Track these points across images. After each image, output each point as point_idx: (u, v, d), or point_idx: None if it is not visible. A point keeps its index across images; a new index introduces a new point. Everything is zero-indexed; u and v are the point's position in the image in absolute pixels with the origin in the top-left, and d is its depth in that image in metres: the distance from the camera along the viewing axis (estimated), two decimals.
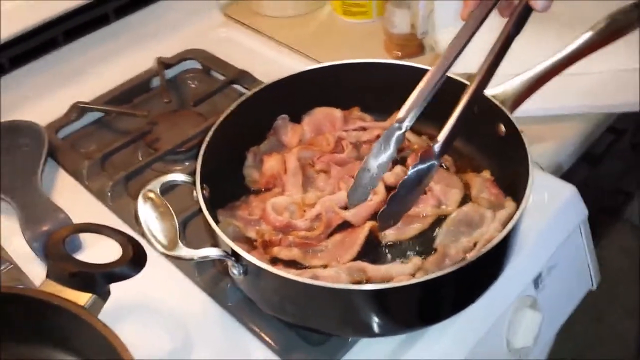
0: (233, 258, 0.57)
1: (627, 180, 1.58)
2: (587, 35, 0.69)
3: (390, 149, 0.66)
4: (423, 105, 0.63)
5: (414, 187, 0.62)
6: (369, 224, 0.65)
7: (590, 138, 0.88)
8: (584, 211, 0.76)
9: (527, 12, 0.61)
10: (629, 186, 1.64)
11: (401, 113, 0.63)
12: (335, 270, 0.61)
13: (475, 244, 0.64)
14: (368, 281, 0.61)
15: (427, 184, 0.64)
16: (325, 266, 0.63)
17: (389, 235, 0.66)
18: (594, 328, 1.63)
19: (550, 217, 0.72)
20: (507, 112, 0.67)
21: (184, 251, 0.56)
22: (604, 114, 0.87)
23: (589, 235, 0.78)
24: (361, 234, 0.65)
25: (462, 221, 0.67)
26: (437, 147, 0.60)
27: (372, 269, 0.62)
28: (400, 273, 0.61)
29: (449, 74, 0.66)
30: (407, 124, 0.64)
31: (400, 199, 0.61)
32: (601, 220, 1.29)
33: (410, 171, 0.60)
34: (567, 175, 0.83)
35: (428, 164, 0.60)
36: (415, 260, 0.62)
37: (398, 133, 0.64)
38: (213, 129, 0.67)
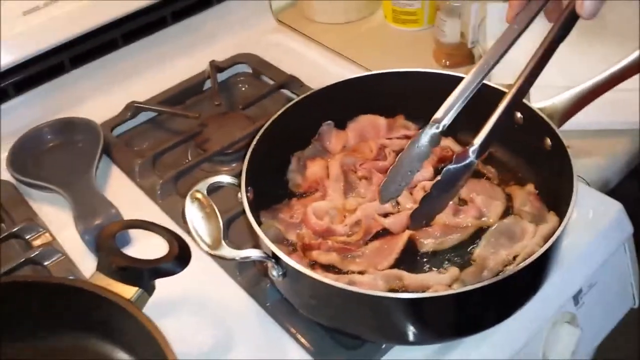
0: (273, 260, 0.58)
1: None
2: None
3: (425, 148, 0.64)
4: (461, 106, 0.62)
5: (446, 189, 0.61)
6: (408, 233, 0.66)
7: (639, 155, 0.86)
8: (629, 229, 0.74)
9: (573, 18, 0.59)
10: None
11: (438, 113, 0.63)
12: (372, 277, 0.62)
13: (514, 258, 0.64)
14: (405, 289, 0.62)
15: (461, 186, 0.63)
16: (362, 272, 0.64)
17: (428, 244, 0.67)
18: (633, 345, 1.57)
19: (594, 233, 0.71)
20: (554, 127, 0.66)
21: (226, 251, 0.58)
22: None
23: (634, 253, 0.76)
24: (400, 242, 0.66)
25: (502, 233, 0.66)
26: (471, 150, 0.59)
27: (409, 277, 0.62)
28: (437, 283, 0.61)
29: (489, 82, 0.65)
30: (444, 123, 0.62)
31: (432, 199, 0.61)
32: None
33: (444, 171, 0.60)
34: (614, 191, 0.81)
35: (462, 164, 0.59)
36: (453, 271, 0.63)
37: (433, 132, 0.63)
38: (259, 134, 0.69)
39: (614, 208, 0.73)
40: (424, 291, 0.60)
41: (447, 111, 0.62)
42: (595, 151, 0.82)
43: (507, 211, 0.69)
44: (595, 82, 0.68)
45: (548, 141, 0.67)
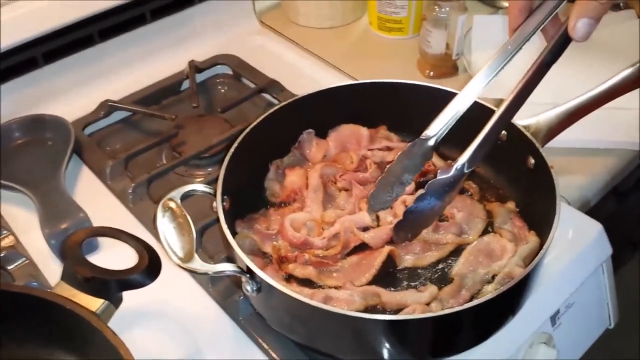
0: (248, 275, 0.56)
1: None
2: (628, 71, 0.67)
3: (417, 160, 0.64)
4: (453, 122, 0.62)
5: (430, 203, 0.61)
6: (388, 248, 0.64)
7: (621, 174, 0.85)
8: (608, 250, 0.74)
9: (565, 40, 0.58)
10: None
11: (431, 128, 0.62)
12: (349, 293, 0.61)
13: (493, 277, 0.63)
14: (382, 306, 0.60)
15: (448, 202, 0.62)
16: (339, 287, 0.62)
17: (407, 260, 0.66)
18: None
19: (574, 254, 0.71)
20: (538, 145, 0.65)
21: (198, 264, 0.56)
22: (638, 150, 0.85)
23: (611, 275, 0.76)
24: (379, 258, 0.64)
25: (481, 251, 0.65)
26: (455, 166, 0.59)
27: (386, 294, 0.61)
28: (415, 301, 0.60)
29: (480, 99, 0.65)
30: (436, 137, 0.62)
31: (416, 213, 0.60)
32: (624, 255, 1.27)
33: (427, 185, 0.60)
34: (593, 210, 0.81)
35: (445, 178, 0.59)
36: (432, 289, 0.61)
37: (425, 145, 0.63)
38: (238, 140, 0.67)
39: (594, 228, 0.73)
40: (401, 309, 0.59)
41: (439, 126, 0.62)
42: (576, 170, 0.81)
43: (488, 229, 0.68)
44: (581, 101, 0.68)
45: (531, 160, 0.66)
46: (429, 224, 0.64)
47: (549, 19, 0.60)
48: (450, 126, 0.62)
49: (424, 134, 0.62)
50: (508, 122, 0.61)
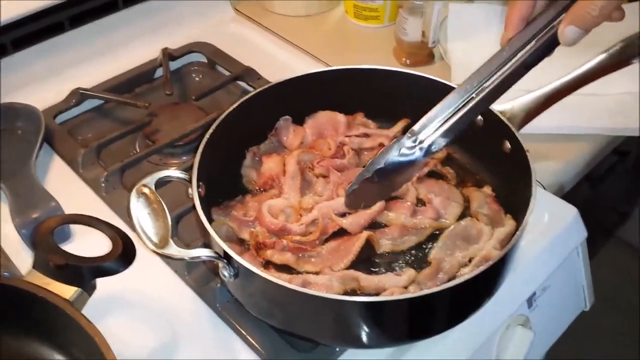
0: (225, 260, 0.55)
1: (624, 201, 1.58)
2: (601, 57, 0.68)
3: (395, 157, 0.63)
4: (439, 123, 0.60)
5: (389, 177, 0.60)
6: (366, 234, 0.64)
7: (595, 159, 0.87)
8: (584, 233, 0.75)
9: (552, 44, 0.57)
10: (626, 207, 1.64)
11: (416, 126, 0.60)
12: (327, 278, 0.60)
13: (470, 260, 0.63)
14: (361, 290, 0.60)
15: (406, 179, 0.62)
16: (317, 273, 0.62)
17: (385, 245, 0.65)
18: (584, 348, 1.62)
19: (550, 238, 0.71)
20: (514, 130, 0.66)
21: (174, 250, 0.55)
22: (611, 136, 0.86)
23: (587, 257, 0.77)
24: (357, 243, 0.64)
25: (459, 235, 0.66)
26: (419, 147, 0.59)
27: (365, 279, 0.60)
28: (393, 285, 0.60)
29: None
30: (420, 137, 0.60)
31: (373, 184, 0.60)
32: (597, 240, 1.29)
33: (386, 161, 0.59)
34: (568, 195, 0.82)
35: (405, 159, 0.59)
36: (409, 273, 0.61)
37: (407, 143, 0.61)
38: (214, 126, 0.66)
39: (570, 212, 0.74)
40: (379, 293, 0.59)
41: (423, 125, 0.60)
42: (551, 155, 0.82)
43: (465, 213, 0.68)
44: (556, 86, 0.68)
45: (507, 144, 0.67)
46: (384, 196, 0.64)
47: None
48: (437, 127, 0.59)
49: (409, 131, 0.60)
50: (478, 113, 0.60)
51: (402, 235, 0.66)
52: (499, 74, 0.58)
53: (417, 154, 0.59)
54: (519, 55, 0.58)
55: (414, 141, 0.60)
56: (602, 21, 0.52)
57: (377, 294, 0.60)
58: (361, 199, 0.63)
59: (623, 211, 1.63)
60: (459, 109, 0.59)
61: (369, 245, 0.64)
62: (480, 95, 0.59)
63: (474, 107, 0.59)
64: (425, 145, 0.59)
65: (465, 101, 0.59)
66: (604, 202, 1.35)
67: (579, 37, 0.53)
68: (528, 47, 0.57)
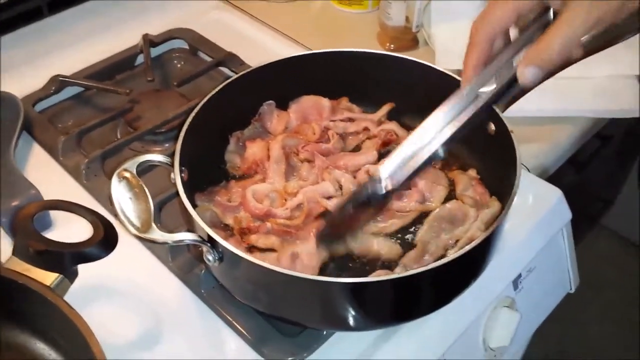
0: (209, 244, 0.55)
1: (608, 187, 1.59)
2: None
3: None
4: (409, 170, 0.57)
5: (361, 209, 0.59)
6: None
7: (579, 142, 0.87)
8: (568, 215, 0.75)
9: (512, 84, 0.55)
10: (610, 193, 1.65)
11: (383, 169, 0.57)
12: (312, 245, 0.60)
13: (456, 242, 0.63)
14: (349, 253, 0.61)
15: (378, 212, 0.62)
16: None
17: (371, 228, 0.65)
18: (569, 331, 1.64)
19: (535, 219, 0.72)
20: (499, 111, 0.65)
21: (157, 234, 0.54)
22: (594, 119, 0.87)
23: (571, 239, 0.77)
24: None
25: (444, 218, 0.66)
26: (384, 186, 0.57)
27: (350, 240, 0.61)
28: (383, 251, 0.61)
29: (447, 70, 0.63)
30: (385, 184, 0.57)
31: (345, 216, 0.59)
32: (581, 226, 1.30)
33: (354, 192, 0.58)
34: (552, 178, 0.82)
35: (372, 191, 0.57)
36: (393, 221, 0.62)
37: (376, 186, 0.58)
38: (196, 109, 0.65)
39: (554, 194, 0.74)
40: (368, 255, 0.60)
41: (389, 166, 0.57)
42: (535, 138, 0.82)
43: (450, 196, 0.68)
44: None
45: (492, 126, 0.66)
46: (356, 228, 0.62)
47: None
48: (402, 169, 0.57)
49: (374, 176, 0.58)
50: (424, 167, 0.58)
51: (387, 218, 0.66)
52: (464, 114, 0.57)
53: (382, 192, 0.57)
54: (480, 95, 0.56)
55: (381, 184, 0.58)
56: (562, 61, 0.51)
57: (365, 257, 0.60)
58: (333, 236, 0.60)
59: (607, 198, 1.65)
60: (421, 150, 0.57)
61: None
62: (437, 144, 0.57)
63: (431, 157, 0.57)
64: (388, 185, 0.57)
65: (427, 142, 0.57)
66: (588, 189, 1.36)
67: (539, 77, 0.52)
68: (490, 88, 0.56)
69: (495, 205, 0.64)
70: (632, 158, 1.51)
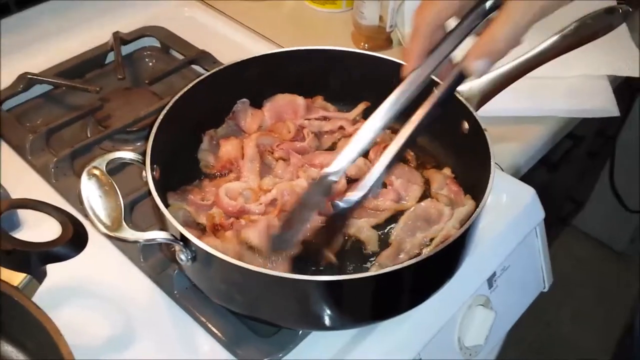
0: (181, 243, 0.54)
1: (579, 188, 1.62)
2: (555, 38, 0.69)
3: (318, 197, 0.57)
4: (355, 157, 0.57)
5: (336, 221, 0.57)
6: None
7: (551, 142, 0.88)
8: (541, 214, 0.76)
9: (460, 78, 0.56)
10: (581, 194, 1.68)
11: (332, 164, 0.56)
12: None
13: (431, 240, 0.63)
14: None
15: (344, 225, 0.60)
16: None
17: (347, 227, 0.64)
18: (542, 331, 1.66)
19: (508, 218, 0.72)
20: (472, 110, 0.66)
21: (128, 233, 0.53)
22: (567, 119, 0.88)
23: (544, 238, 0.78)
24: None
25: (419, 216, 0.66)
26: (354, 198, 0.54)
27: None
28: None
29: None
30: (337, 175, 0.56)
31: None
32: (553, 226, 1.32)
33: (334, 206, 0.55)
34: (524, 178, 0.82)
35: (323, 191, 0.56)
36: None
37: (326, 182, 0.57)
38: (168, 106, 0.64)
39: (528, 193, 0.74)
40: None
41: (340, 164, 0.56)
42: (508, 137, 0.83)
43: (425, 195, 0.68)
44: (512, 66, 0.69)
45: (465, 125, 0.67)
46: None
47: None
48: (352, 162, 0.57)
49: (323, 171, 0.57)
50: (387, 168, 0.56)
51: (362, 217, 0.65)
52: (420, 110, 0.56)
53: (350, 204, 0.55)
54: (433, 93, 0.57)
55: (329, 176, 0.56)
56: (510, 50, 0.52)
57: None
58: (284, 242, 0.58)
59: (578, 199, 1.67)
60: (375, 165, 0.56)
61: None
62: (395, 148, 0.56)
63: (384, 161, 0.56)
64: (357, 196, 0.55)
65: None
66: (560, 189, 1.38)
67: (488, 68, 0.53)
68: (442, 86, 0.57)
69: (469, 203, 0.64)
70: (602, 159, 1.54)
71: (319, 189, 0.57)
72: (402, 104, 0.57)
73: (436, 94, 0.57)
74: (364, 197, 0.55)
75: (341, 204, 0.55)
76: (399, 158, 0.57)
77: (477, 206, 0.61)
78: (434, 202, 0.67)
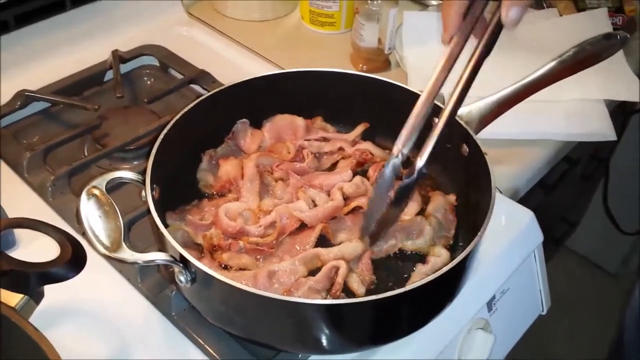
0: (181, 264, 0.53)
1: (573, 210, 1.62)
2: (553, 63, 0.70)
3: (390, 178, 0.62)
4: (417, 132, 0.60)
5: (398, 203, 0.61)
6: (321, 225, 0.64)
7: (549, 165, 0.88)
8: (540, 237, 0.76)
9: (496, 32, 0.59)
10: (575, 216, 1.68)
11: (398, 144, 0.60)
12: (290, 262, 0.60)
13: (400, 251, 0.65)
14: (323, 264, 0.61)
15: (408, 202, 0.62)
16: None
17: (340, 236, 0.65)
18: (537, 353, 1.65)
19: (507, 241, 0.72)
20: (472, 132, 0.66)
21: (127, 254, 0.52)
22: (564, 142, 0.88)
23: (543, 261, 0.78)
24: (313, 235, 0.64)
25: (402, 226, 0.66)
26: (417, 168, 0.58)
27: (325, 253, 0.61)
28: (352, 251, 0.62)
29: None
30: (404, 152, 0.60)
31: (386, 213, 0.60)
32: (549, 248, 1.32)
33: (397, 189, 0.59)
34: (521, 200, 0.83)
35: (412, 179, 0.59)
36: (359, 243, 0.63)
37: (395, 162, 0.61)
38: (169, 126, 0.64)
39: (526, 216, 0.74)
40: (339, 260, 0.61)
41: (404, 143, 0.60)
42: (506, 160, 0.83)
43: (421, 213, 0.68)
44: (510, 91, 0.70)
45: (465, 147, 0.67)
46: (394, 222, 0.64)
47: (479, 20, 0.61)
48: (417, 137, 0.60)
49: (393, 150, 0.60)
50: (453, 117, 0.60)
51: (356, 224, 0.65)
52: (466, 73, 0.59)
53: (415, 175, 0.58)
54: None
55: (398, 157, 0.60)
56: None
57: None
58: (376, 231, 0.62)
59: (572, 220, 1.68)
60: (440, 118, 0.59)
61: (325, 238, 0.64)
62: (455, 97, 0.59)
63: (451, 111, 0.59)
64: (422, 165, 0.58)
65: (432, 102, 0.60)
66: (555, 211, 1.38)
67: (521, 15, 0.56)
68: (481, 41, 0.59)
69: (444, 254, 0.64)
70: (596, 181, 1.54)
71: (391, 172, 0.60)
72: (447, 72, 0.60)
73: (475, 54, 0.59)
74: (426, 165, 0.58)
75: (407, 180, 0.58)
76: (448, 125, 0.59)
77: (478, 229, 0.60)
78: (422, 220, 0.66)
